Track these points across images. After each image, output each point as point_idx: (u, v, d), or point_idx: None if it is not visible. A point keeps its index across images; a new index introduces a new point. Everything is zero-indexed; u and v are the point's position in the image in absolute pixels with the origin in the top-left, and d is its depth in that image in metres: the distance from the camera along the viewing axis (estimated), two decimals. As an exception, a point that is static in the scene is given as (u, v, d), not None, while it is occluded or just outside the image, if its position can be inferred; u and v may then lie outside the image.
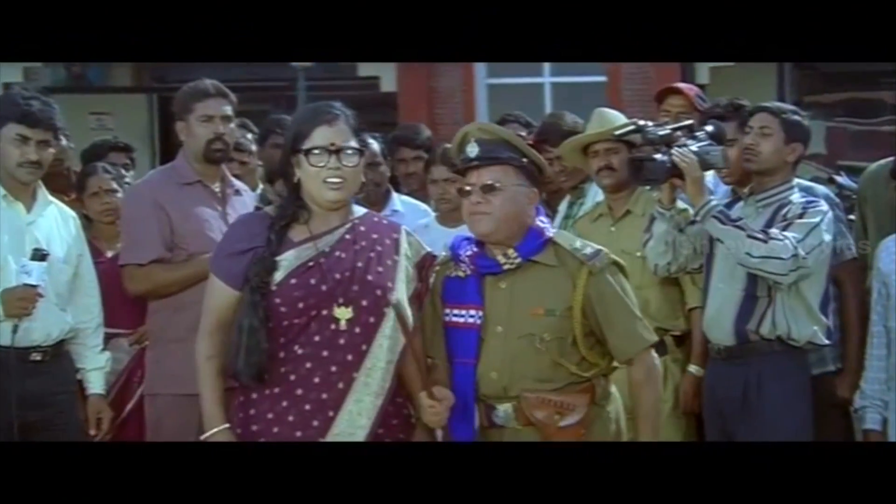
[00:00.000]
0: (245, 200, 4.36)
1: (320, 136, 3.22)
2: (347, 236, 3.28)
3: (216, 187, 4.27)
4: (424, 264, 3.39)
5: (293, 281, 3.19)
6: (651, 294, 4.27)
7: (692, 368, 4.30)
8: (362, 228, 3.31)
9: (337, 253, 3.25)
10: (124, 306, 4.34)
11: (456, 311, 3.35)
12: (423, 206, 5.24)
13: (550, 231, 3.38)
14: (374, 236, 3.32)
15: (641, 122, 4.17)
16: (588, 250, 3.33)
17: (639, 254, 4.28)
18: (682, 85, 5.28)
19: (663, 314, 4.31)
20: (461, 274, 3.37)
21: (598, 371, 3.35)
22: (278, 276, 3.19)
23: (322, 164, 3.21)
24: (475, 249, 3.37)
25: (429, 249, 3.44)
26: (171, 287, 4.12)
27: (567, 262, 3.32)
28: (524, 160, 3.33)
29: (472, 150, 3.32)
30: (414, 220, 5.01)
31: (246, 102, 5.05)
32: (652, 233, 4.17)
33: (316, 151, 3.21)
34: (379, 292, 3.25)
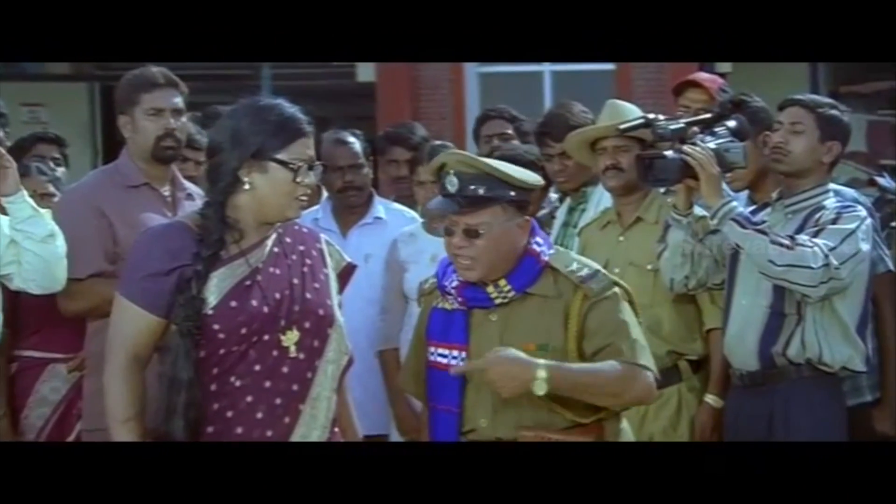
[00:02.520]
0: (198, 206, 4.34)
1: (304, 148, 3.24)
2: (276, 249, 3.28)
3: (165, 190, 4.28)
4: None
5: (233, 304, 3.17)
6: (664, 313, 4.29)
7: (710, 398, 4.32)
8: (288, 240, 3.31)
9: (271, 269, 3.25)
10: (60, 328, 4.35)
11: (440, 351, 3.36)
12: (410, 212, 5.26)
13: (546, 254, 3.36)
14: (301, 248, 3.32)
15: (651, 116, 4.20)
16: (584, 271, 3.32)
17: (650, 267, 4.31)
18: (702, 76, 5.30)
19: (678, 336, 4.34)
20: (447, 306, 3.38)
21: (603, 416, 3.33)
22: (213, 297, 3.16)
23: (299, 180, 3.22)
24: (461, 280, 3.35)
25: (349, 260, 3.45)
26: (112, 304, 4.12)
27: (562, 287, 3.31)
28: (512, 194, 3.29)
29: (452, 185, 3.29)
30: (399, 229, 5.04)
31: (200, 93, 5.06)
32: (667, 243, 4.18)
33: (298, 164, 3.21)
34: (321, 311, 3.26)
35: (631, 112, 4.51)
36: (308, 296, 3.25)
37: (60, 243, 3.95)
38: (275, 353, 3.19)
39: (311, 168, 3.24)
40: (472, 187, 3.27)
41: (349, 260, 3.45)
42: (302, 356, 3.22)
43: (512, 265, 3.32)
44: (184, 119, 4.30)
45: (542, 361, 3.20)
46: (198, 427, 3.15)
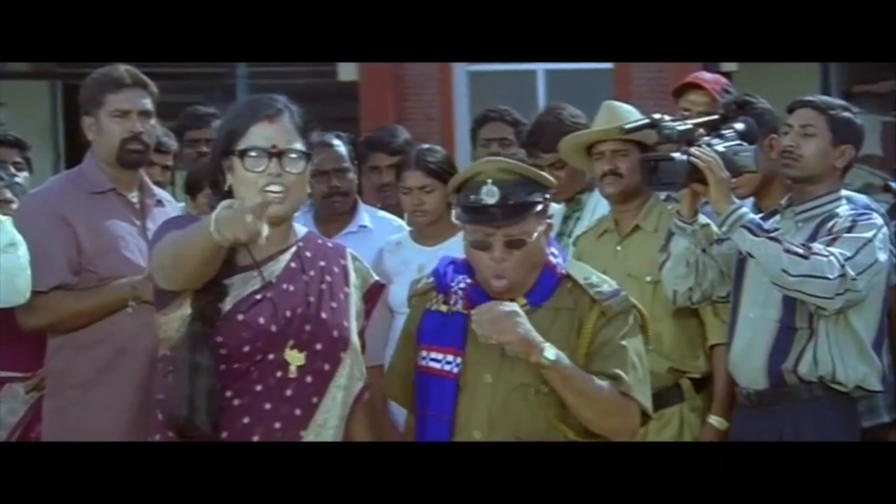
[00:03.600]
0: (169, 213, 4.33)
1: (259, 135, 3.18)
2: (293, 264, 3.26)
3: (133, 197, 4.27)
4: (371, 296, 3.38)
5: (240, 317, 3.15)
6: (664, 328, 4.29)
7: (714, 419, 4.31)
8: (308, 254, 3.29)
9: (284, 285, 3.22)
10: (19, 344, 4.32)
11: (433, 355, 3.35)
12: (397, 220, 5.25)
13: (562, 267, 3.36)
14: (322, 263, 3.30)
15: (657, 116, 4.18)
16: (605, 287, 3.32)
17: (649, 278, 4.31)
18: (704, 76, 5.30)
19: (679, 353, 4.33)
20: (444, 308, 3.38)
21: (601, 438, 3.31)
22: (224, 305, 3.15)
23: (260, 169, 3.16)
24: (469, 281, 3.36)
25: (376, 278, 3.43)
26: (76, 319, 4.11)
27: (578, 299, 3.32)
28: (546, 197, 3.32)
29: (491, 195, 3.27)
30: (386, 237, 5.03)
31: (171, 93, 5.04)
32: (669, 252, 4.18)
33: (252, 154, 3.17)
34: (335, 333, 3.24)
35: (629, 114, 4.51)
36: (323, 316, 3.23)
37: (23, 253, 3.94)
38: (279, 373, 3.17)
39: (277, 155, 3.18)
40: (516, 195, 3.28)
41: (377, 278, 3.42)
42: (309, 379, 3.19)
43: (535, 277, 3.32)
44: (152, 122, 4.29)
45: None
46: (218, 419, 3.13)
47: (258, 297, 3.18)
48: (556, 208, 5.02)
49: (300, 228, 3.37)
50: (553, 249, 3.38)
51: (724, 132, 4.17)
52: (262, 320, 3.16)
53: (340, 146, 5.16)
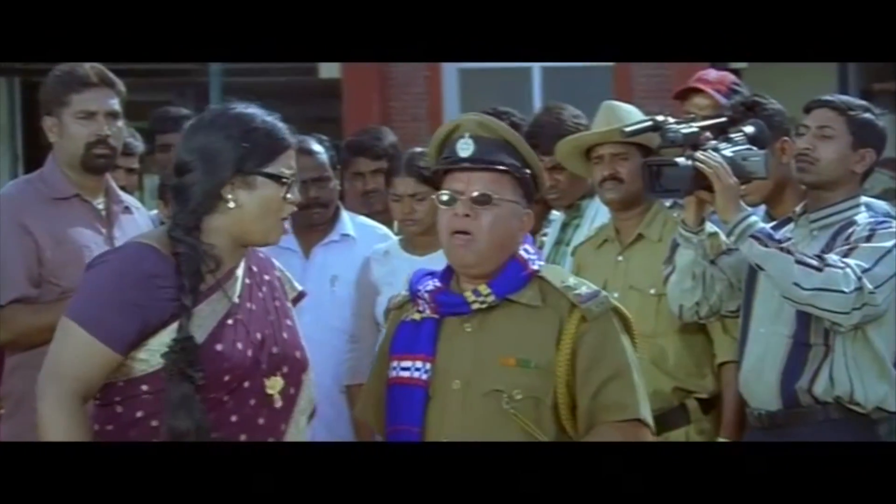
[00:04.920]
0: (137, 220, 4.36)
1: (286, 163, 3.24)
2: (248, 280, 3.26)
3: (99, 203, 4.27)
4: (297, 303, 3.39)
5: (219, 347, 3.14)
6: (669, 344, 4.29)
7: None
8: (253, 268, 3.29)
9: (248, 304, 3.22)
10: (-25, 361, 4.31)
11: (404, 364, 3.36)
12: (381, 228, 5.26)
13: (536, 264, 3.39)
14: (267, 277, 3.31)
15: (660, 118, 4.18)
16: (583, 290, 3.33)
17: (653, 291, 4.31)
18: (710, 76, 5.31)
19: (685, 371, 4.33)
20: (416, 317, 3.40)
21: (586, 438, 3.33)
22: (198, 337, 3.12)
23: (289, 196, 3.22)
24: (437, 284, 3.39)
25: (300, 288, 3.43)
26: (37, 336, 4.01)
27: (555, 302, 3.33)
28: (526, 171, 3.36)
29: (466, 147, 3.34)
30: (370, 247, 5.03)
31: (138, 91, 5.04)
32: (674, 264, 4.18)
33: (285, 180, 3.22)
34: (297, 354, 3.26)
35: (630, 114, 4.52)
36: (284, 335, 3.24)
37: None
38: (252, 401, 3.17)
39: (291, 185, 3.24)
40: (491, 153, 3.32)
41: (300, 288, 3.43)
42: (279, 405, 3.21)
43: (499, 265, 3.33)
44: (119, 123, 4.28)
45: None
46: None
47: (229, 321, 3.18)
48: (556, 215, 5.03)
49: None
50: (528, 247, 3.40)
51: (732, 136, 4.16)
52: (239, 346, 3.17)
53: (321, 153, 5.15)
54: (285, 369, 3.22)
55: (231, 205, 3.18)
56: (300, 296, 3.42)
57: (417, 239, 4.88)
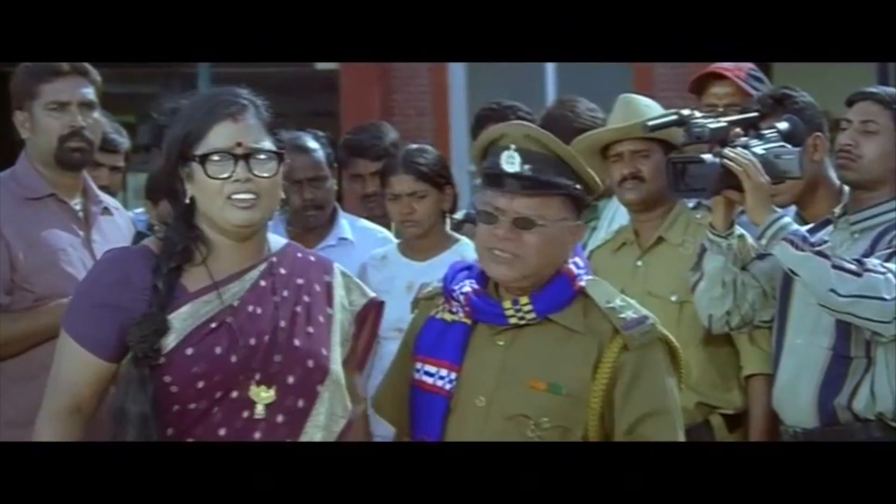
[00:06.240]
0: (118, 223, 4.35)
1: (221, 136, 3.17)
2: (263, 282, 3.24)
3: (76, 203, 4.26)
4: (367, 317, 3.36)
5: (189, 350, 3.14)
6: (692, 356, 4.24)
7: (753, 463, 4.30)
8: (282, 270, 3.27)
9: (250, 307, 3.21)
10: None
11: (427, 368, 3.36)
12: (382, 231, 5.26)
13: (583, 279, 3.35)
14: (300, 281, 3.28)
15: (686, 112, 4.16)
16: (628, 314, 3.29)
17: (674, 298, 4.32)
18: (725, 63, 5.27)
19: (709, 384, 4.34)
20: (447, 317, 3.37)
21: None
22: (168, 342, 3.14)
23: (225, 175, 3.16)
24: (475, 286, 3.35)
25: (372, 294, 3.39)
26: (9, 347, 4.09)
27: (597, 325, 3.29)
28: (578, 188, 3.31)
29: (511, 162, 3.29)
30: (369, 251, 5.00)
31: (121, 83, 5.00)
32: (703, 271, 4.17)
33: (215, 157, 3.16)
34: (311, 363, 3.21)
35: (649, 109, 4.51)
36: (296, 343, 3.20)
37: None
38: (245, 413, 3.16)
39: (244, 157, 3.16)
40: (538, 169, 3.26)
41: (372, 295, 3.39)
42: (280, 419, 3.17)
43: (545, 280, 3.31)
44: (95, 115, 4.27)
45: None
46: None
47: (214, 324, 3.17)
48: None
49: (277, 240, 3.35)
50: (578, 259, 3.37)
51: (764, 132, 4.16)
52: (218, 350, 3.15)
53: (317, 151, 5.14)
54: (290, 380, 3.18)
55: (186, 198, 3.20)
56: (373, 305, 3.37)
57: (417, 242, 4.87)
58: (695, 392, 4.27)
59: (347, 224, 5.21)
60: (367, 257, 5.01)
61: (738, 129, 4.14)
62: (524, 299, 3.29)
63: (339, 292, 3.32)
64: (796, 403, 4.09)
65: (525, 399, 3.25)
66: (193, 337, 3.15)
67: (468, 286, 3.35)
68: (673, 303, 4.31)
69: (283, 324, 3.21)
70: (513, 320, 3.30)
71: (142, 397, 3.10)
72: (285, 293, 3.24)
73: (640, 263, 4.45)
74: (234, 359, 3.15)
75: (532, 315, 3.29)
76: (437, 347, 3.36)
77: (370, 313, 3.37)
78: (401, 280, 4.83)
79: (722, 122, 4.14)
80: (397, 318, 4.77)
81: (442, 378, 3.32)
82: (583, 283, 3.33)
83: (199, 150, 3.17)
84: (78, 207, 4.25)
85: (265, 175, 3.18)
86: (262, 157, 3.19)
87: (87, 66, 4.24)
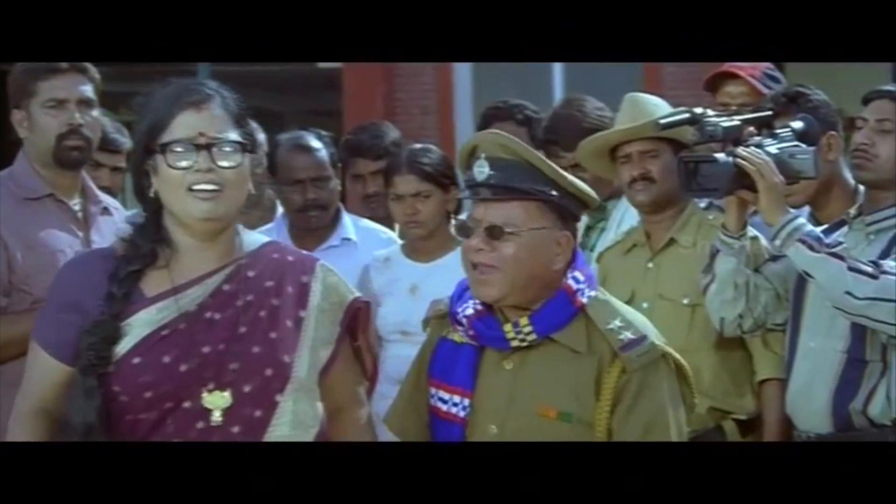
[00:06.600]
0: (117, 222, 4.35)
1: (183, 126, 3.14)
2: (227, 287, 3.20)
3: (75, 203, 4.27)
4: (351, 318, 3.31)
5: (136, 359, 3.12)
6: (703, 360, 4.27)
7: (766, 469, 4.29)
8: (251, 273, 3.23)
9: (208, 313, 3.17)
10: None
11: (441, 394, 3.36)
12: (387, 231, 5.25)
13: (585, 296, 3.32)
14: (269, 284, 3.23)
15: (698, 111, 4.14)
16: (626, 335, 3.28)
17: (686, 301, 4.30)
18: (742, 65, 5.28)
19: (721, 389, 4.33)
20: (457, 339, 3.37)
21: None
22: (120, 349, 3.13)
23: (185, 164, 3.12)
24: (479, 307, 3.34)
25: (356, 294, 3.35)
26: (5, 349, 4.08)
27: (598, 346, 3.28)
28: (553, 193, 3.30)
29: (482, 171, 3.30)
30: (373, 252, 5.00)
31: (120, 81, 4.99)
32: (714, 273, 4.16)
33: (178, 148, 3.13)
34: (269, 372, 3.17)
35: (658, 108, 4.50)
36: (255, 350, 3.17)
37: None
38: (200, 424, 3.13)
39: (206, 147, 3.13)
40: (507, 177, 3.26)
41: (356, 294, 3.35)
42: (236, 430, 3.14)
43: (540, 297, 3.29)
44: (95, 113, 4.27)
45: None
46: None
47: (165, 332, 3.14)
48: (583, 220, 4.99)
49: (255, 239, 3.31)
50: (578, 273, 3.33)
51: (778, 131, 4.15)
52: (167, 359, 3.12)
53: (320, 150, 5.14)
54: (247, 388, 3.15)
55: (151, 192, 3.18)
56: (357, 304, 3.32)
57: (421, 243, 4.86)
58: (707, 397, 4.24)
59: (351, 225, 5.20)
60: (370, 259, 5.00)
61: (751, 128, 4.13)
62: (524, 320, 3.28)
63: (316, 293, 3.27)
64: (810, 408, 4.08)
65: (536, 428, 3.25)
66: (143, 345, 3.13)
67: (471, 308, 3.33)
68: (685, 306, 4.31)
69: (243, 330, 3.18)
70: (514, 343, 3.30)
71: (87, 407, 3.10)
72: (250, 297, 3.21)
73: (651, 266, 4.44)
74: (183, 368, 3.13)
75: (533, 336, 3.28)
76: (449, 372, 3.35)
77: (356, 312, 3.32)
78: (404, 282, 4.83)
79: (735, 120, 4.13)
80: (401, 320, 4.79)
81: (456, 405, 3.32)
82: (584, 301, 3.31)
83: (163, 139, 3.14)
84: (77, 208, 4.26)
85: (229, 165, 3.15)
86: (227, 148, 3.16)
87: (86, 63, 4.24)
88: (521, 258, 3.25)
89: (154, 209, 3.20)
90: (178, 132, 3.14)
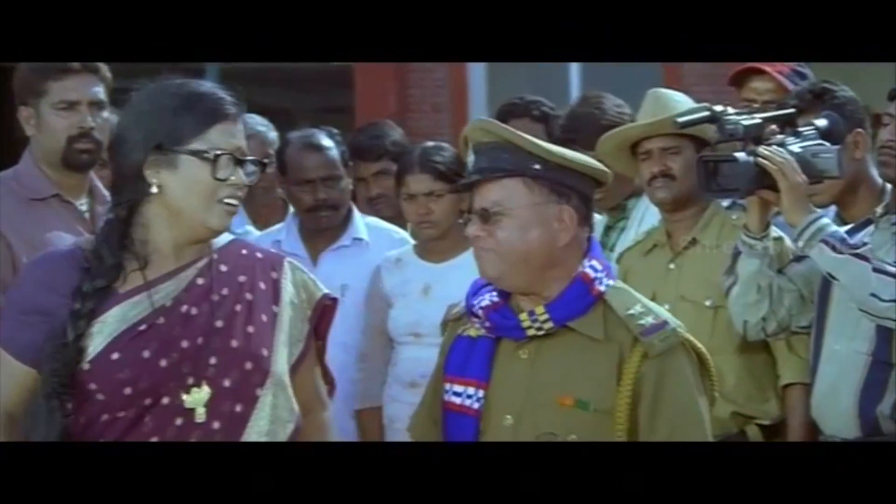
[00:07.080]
0: None
1: (224, 137, 3.19)
2: (201, 280, 3.23)
3: (81, 204, 4.28)
4: (320, 314, 3.35)
5: (115, 356, 3.13)
6: (726, 363, 4.26)
7: (792, 476, 4.29)
8: (223, 268, 3.26)
9: (184, 307, 3.19)
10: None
11: (455, 388, 3.36)
12: (399, 231, 5.24)
13: (603, 284, 3.32)
14: (242, 278, 3.27)
15: (718, 108, 4.13)
16: (647, 320, 3.26)
17: (708, 303, 4.30)
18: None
19: (745, 394, 4.33)
20: (472, 333, 3.38)
21: None
22: (93, 347, 3.13)
23: (225, 176, 3.17)
24: (496, 299, 3.35)
25: (325, 291, 3.38)
26: None
27: (617, 333, 3.27)
28: (537, 167, 3.29)
29: (470, 160, 3.35)
30: (385, 252, 5.00)
31: (127, 77, 4.98)
32: (737, 275, 4.16)
33: (218, 158, 3.16)
34: (249, 365, 3.20)
35: (680, 104, 4.50)
36: (233, 344, 3.19)
37: None
38: (179, 421, 3.14)
39: (239, 162, 3.19)
40: (488, 158, 3.29)
41: (325, 291, 3.38)
42: (216, 425, 3.15)
43: (550, 277, 3.29)
44: (105, 114, 4.27)
45: None
46: None
47: (142, 327, 3.15)
48: (598, 218, 4.97)
49: (222, 237, 3.33)
50: (595, 262, 3.33)
51: (801, 129, 4.14)
52: (146, 354, 3.14)
53: (331, 149, 5.13)
54: (226, 382, 3.18)
55: (154, 189, 3.17)
56: (325, 302, 3.36)
57: (434, 244, 4.86)
58: (730, 402, 4.26)
59: (363, 224, 5.19)
60: (381, 260, 5.00)
61: (773, 126, 4.13)
62: (540, 308, 3.28)
63: (287, 289, 3.30)
64: (836, 412, 4.08)
65: (552, 416, 3.24)
66: (120, 340, 3.14)
67: (487, 300, 3.34)
68: (707, 308, 4.31)
69: (220, 324, 3.20)
70: (530, 332, 3.29)
71: (49, 429, 3.10)
72: (224, 291, 3.24)
73: (672, 266, 4.45)
74: (163, 363, 3.15)
75: (550, 324, 3.28)
76: (464, 366, 3.36)
77: (324, 309, 3.35)
78: (416, 283, 4.84)
79: (756, 118, 4.13)
80: (413, 321, 4.79)
81: (469, 397, 3.32)
82: (602, 289, 3.30)
83: (195, 145, 3.16)
84: (84, 208, 4.27)
85: (249, 184, 3.24)
86: (251, 168, 3.23)
87: (98, 62, 4.24)
88: (514, 237, 3.26)
89: (131, 205, 3.19)
90: (218, 142, 3.17)
